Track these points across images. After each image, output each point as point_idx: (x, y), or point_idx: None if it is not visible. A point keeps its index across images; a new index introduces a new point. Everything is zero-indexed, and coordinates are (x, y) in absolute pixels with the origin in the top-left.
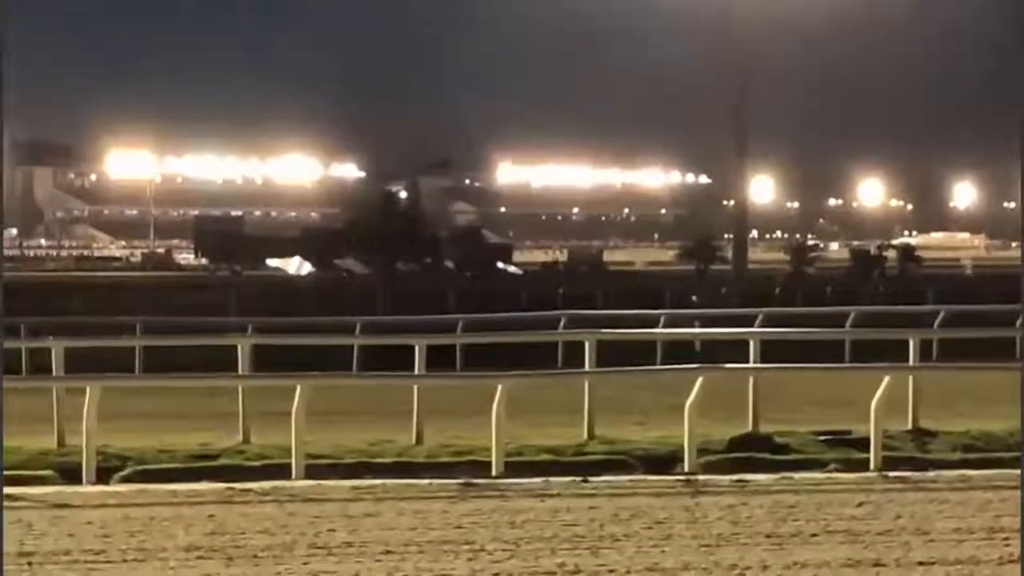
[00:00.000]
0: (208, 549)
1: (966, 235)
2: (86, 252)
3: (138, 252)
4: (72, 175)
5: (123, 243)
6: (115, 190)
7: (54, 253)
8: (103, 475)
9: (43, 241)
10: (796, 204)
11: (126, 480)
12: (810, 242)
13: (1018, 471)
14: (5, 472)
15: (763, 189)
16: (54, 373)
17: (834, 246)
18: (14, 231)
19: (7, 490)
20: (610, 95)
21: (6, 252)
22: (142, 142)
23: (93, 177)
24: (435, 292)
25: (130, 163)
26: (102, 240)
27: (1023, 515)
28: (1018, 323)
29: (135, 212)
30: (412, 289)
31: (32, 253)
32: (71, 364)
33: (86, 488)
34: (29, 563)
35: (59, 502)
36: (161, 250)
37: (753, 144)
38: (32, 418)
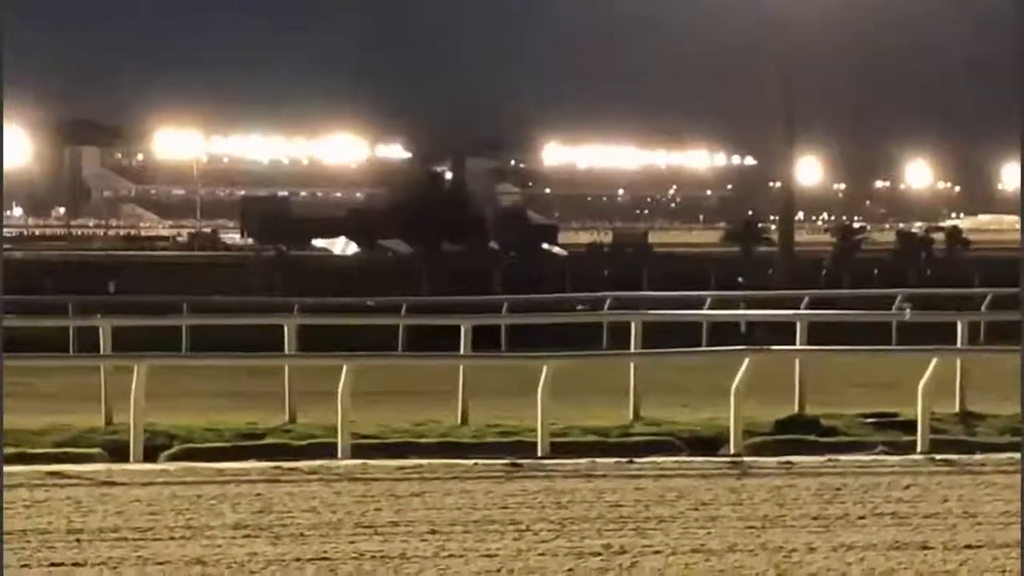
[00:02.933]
0: (255, 527)
1: (1014, 218)
2: (133, 231)
3: (185, 232)
4: (120, 155)
5: (170, 223)
6: (162, 170)
7: (101, 232)
8: (150, 453)
9: (90, 220)
10: (843, 186)
11: (173, 458)
12: (856, 224)
13: None
14: (55, 449)
15: (810, 171)
16: (102, 351)
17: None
18: (62, 210)
19: (58, 467)
20: (657, 76)
21: (54, 231)
22: (189, 122)
23: (140, 157)
24: (480, 273)
25: (177, 143)
26: (149, 219)
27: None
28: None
29: (182, 192)
30: (457, 270)
31: (80, 232)
32: (119, 343)
33: (134, 466)
34: (78, 540)
35: (107, 479)
36: (207, 230)
37: (800, 125)
38: (80, 396)
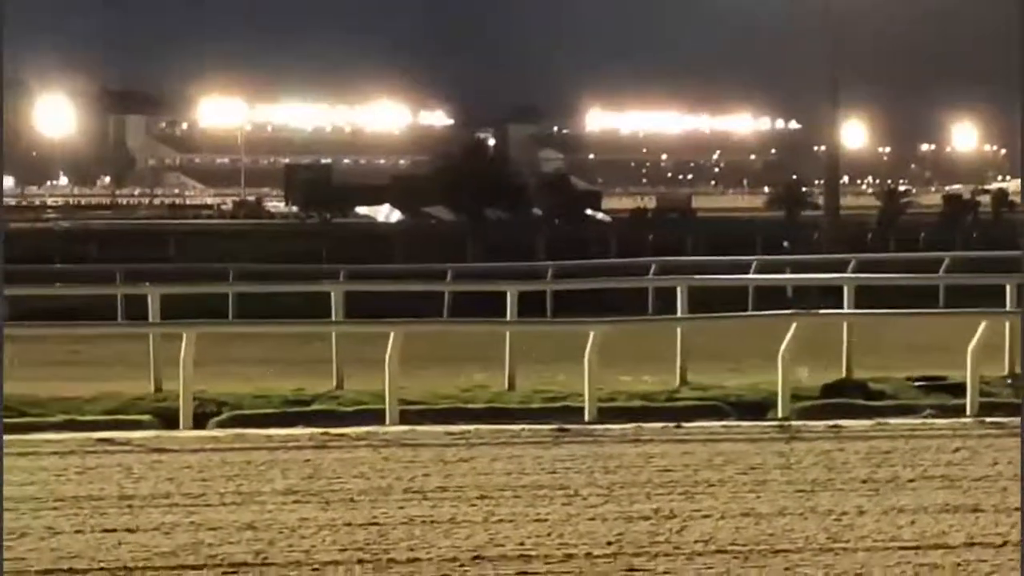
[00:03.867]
0: (305, 493)
1: None
2: (178, 200)
3: (229, 200)
4: (164, 124)
5: (214, 191)
6: (206, 138)
7: (147, 201)
8: (200, 420)
9: (136, 189)
10: (888, 149)
11: (222, 425)
12: (902, 188)
13: None
14: (105, 417)
15: (854, 134)
16: (150, 319)
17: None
18: (107, 179)
19: (108, 434)
20: (699, 40)
21: (100, 200)
22: (233, 91)
23: (185, 126)
24: (523, 239)
25: (221, 111)
26: (194, 188)
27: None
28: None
29: (226, 160)
30: (500, 236)
31: (125, 201)
32: (166, 310)
33: (184, 433)
34: (130, 506)
35: (157, 447)
36: (252, 198)
37: (844, 89)
38: (129, 363)
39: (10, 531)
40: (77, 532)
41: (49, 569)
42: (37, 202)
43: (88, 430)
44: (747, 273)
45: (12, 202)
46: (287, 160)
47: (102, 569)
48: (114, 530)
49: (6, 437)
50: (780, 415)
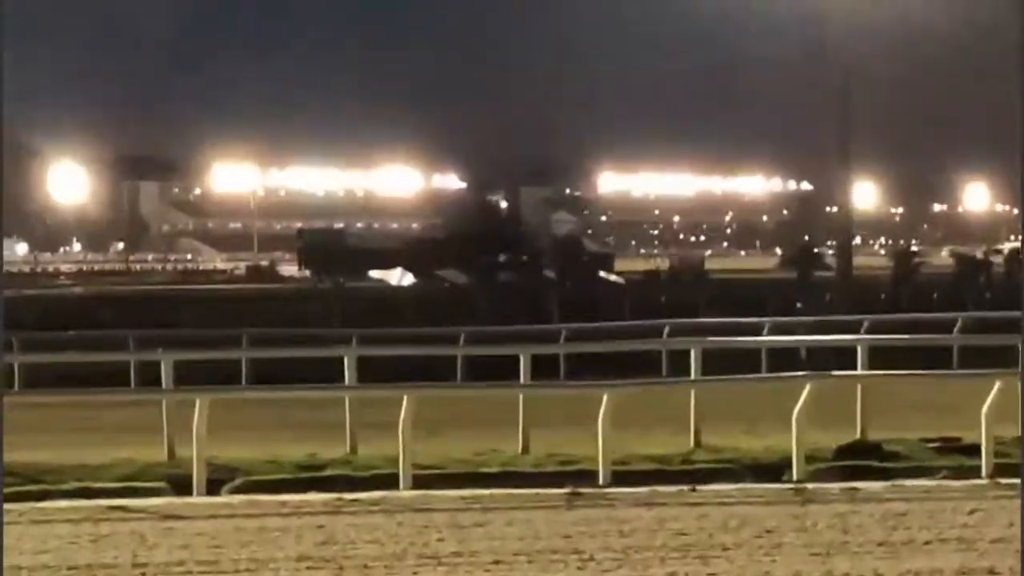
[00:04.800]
0: (318, 559)
1: None
2: (191, 265)
3: (242, 264)
4: (177, 189)
5: (227, 255)
6: (219, 204)
7: (160, 267)
8: (213, 486)
9: (149, 255)
10: (900, 210)
11: (236, 491)
12: (914, 248)
13: None
14: (118, 484)
15: (867, 195)
16: (163, 386)
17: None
18: (120, 245)
19: (121, 501)
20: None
21: (113, 266)
22: (245, 156)
23: (198, 191)
24: (537, 302)
25: (234, 177)
26: (207, 253)
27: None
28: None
29: (239, 225)
30: (513, 299)
31: (139, 266)
32: (180, 376)
33: (197, 499)
34: (143, 574)
35: (171, 513)
36: (265, 262)
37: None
38: (142, 429)
39: None
40: None
41: None
42: (51, 268)
43: (101, 497)
44: (760, 335)
45: (26, 268)
46: (300, 224)
47: None
48: None
49: (19, 505)
50: (795, 477)
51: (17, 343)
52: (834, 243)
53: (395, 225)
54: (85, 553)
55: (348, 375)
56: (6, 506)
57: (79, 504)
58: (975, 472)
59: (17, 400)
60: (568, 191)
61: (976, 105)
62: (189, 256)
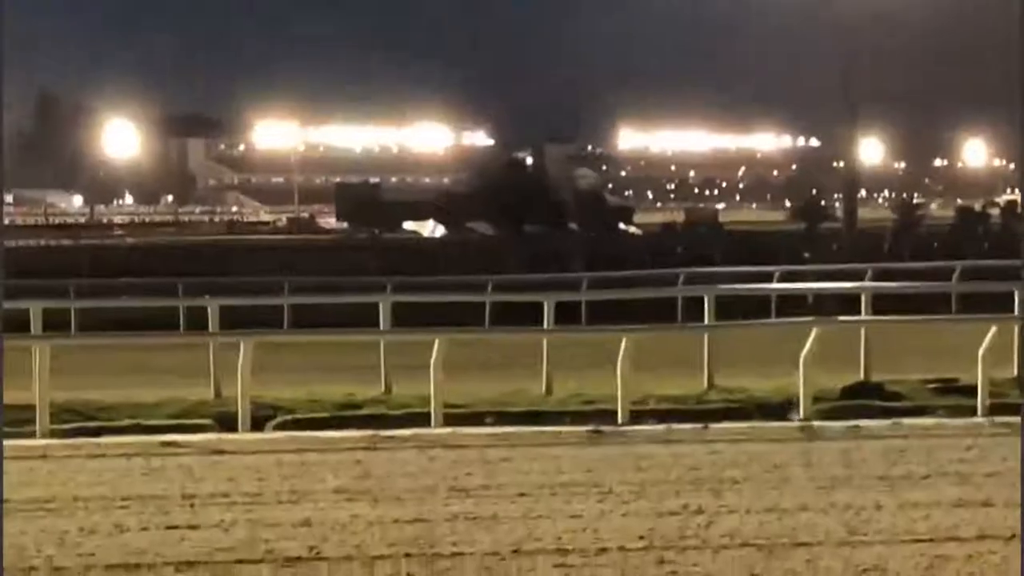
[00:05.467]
0: (355, 491)
1: None
2: (236, 217)
3: (284, 217)
4: (222, 146)
5: (270, 208)
6: (262, 159)
7: (207, 219)
8: (257, 424)
9: (196, 208)
10: (903, 165)
11: (278, 428)
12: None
13: None
14: (169, 421)
15: (872, 151)
16: (210, 329)
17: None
18: (170, 198)
19: (171, 437)
20: (725, 63)
21: (163, 218)
22: (287, 114)
23: (242, 147)
24: (560, 252)
25: (276, 134)
26: (251, 206)
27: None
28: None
29: (281, 179)
30: (538, 250)
31: (187, 219)
32: (225, 321)
33: (242, 435)
34: (192, 504)
35: (217, 448)
36: (305, 215)
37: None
38: (190, 371)
39: (79, 528)
40: (143, 529)
41: (116, 564)
42: (104, 220)
43: (153, 433)
44: (770, 282)
45: (81, 220)
46: (338, 179)
47: (166, 564)
48: (177, 527)
49: (76, 440)
50: (802, 416)
51: (73, 290)
52: (840, 196)
53: (427, 180)
54: (137, 485)
55: (383, 320)
56: (66, 441)
57: (132, 440)
58: (971, 411)
59: (74, 343)
60: (590, 148)
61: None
62: (234, 209)
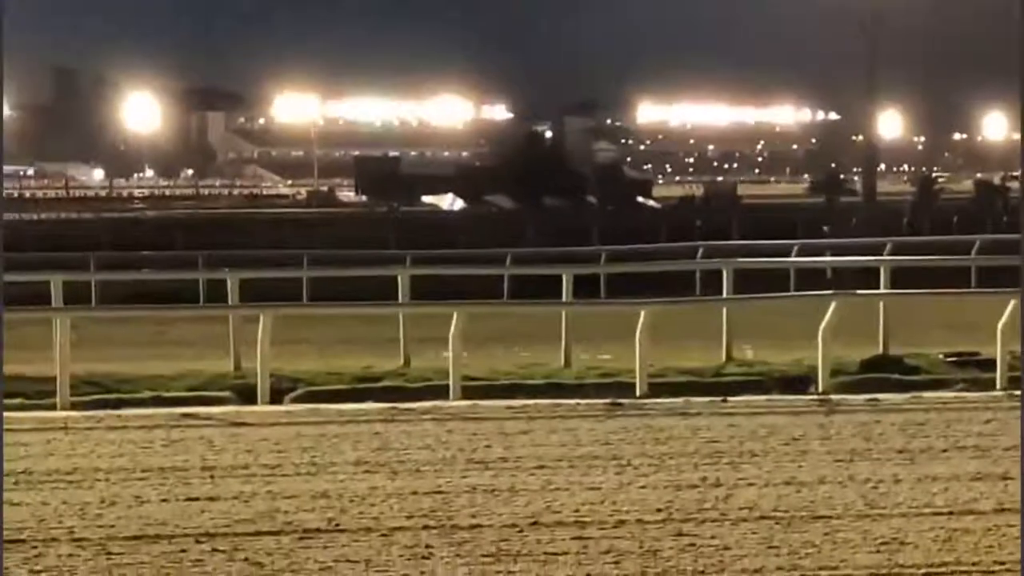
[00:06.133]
0: (374, 463)
1: None
2: (256, 190)
3: (303, 190)
4: (242, 119)
5: (289, 182)
6: (282, 132)
7: (227, 192)
8: (276, 396)
9: (216, 181)
10: (922, 138)
11: (297, 400)
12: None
13: None
14: (188, 393)
15: (891, 124)
16: (230, 302)
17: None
18: (190, 172)
19: (191, 409)
20: (744, 36)
21: (183, 191)
22: (306, 87)
23: (261, 121)
24: (579, 225)
25: (295, 107)
26: (270, 179)
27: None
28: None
29: (300, 153)
30: (557, 223)
31: (207, 192)
32: (245, 294)
33: (261, 408)
34: (211, 476)
35: (237, 420)
36: (324, 188)
37: (881, 82)
38: (210, 344)
39: (100, 500)
40: (163, 501)
41: (137, 535)
42: (125, 193)
43: (173, 405)
44: (789, 256)
45: (102, 193)
46: (357, 152)
47: (186, 535)
48: (197, 499)
49: (97, 412)
50: (820, 389)
51: (94, 262)
52: (859, 170)
53: (446, 153)
54: (158, 457)
55: (402, 293)
56: (87, 413)
57: (152, 411)
58: (990, 384)
59: (95, 315)
60: (609, 121)
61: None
62: (254, 182)
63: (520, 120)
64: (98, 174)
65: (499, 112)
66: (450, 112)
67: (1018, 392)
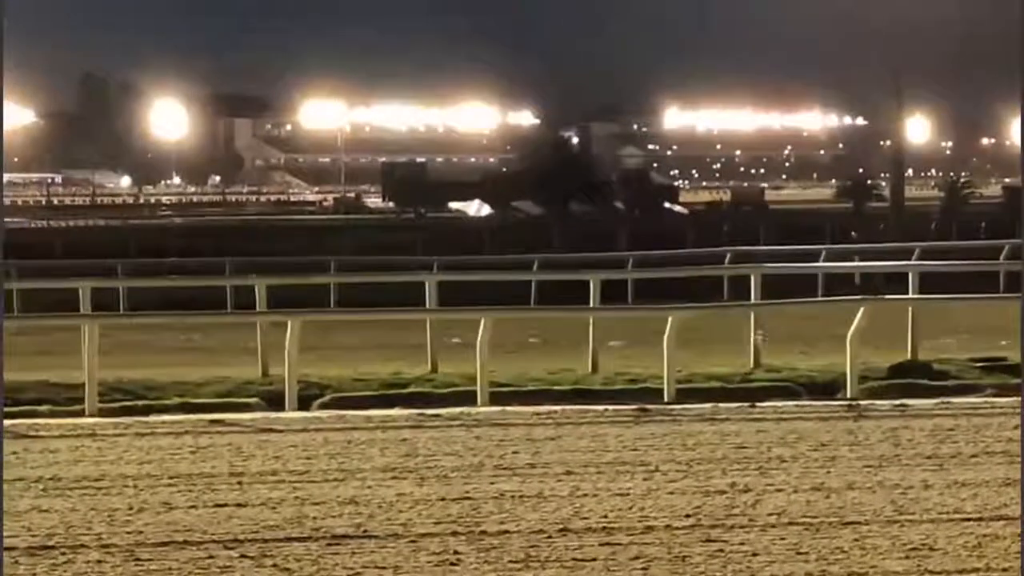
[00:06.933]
0: (402, 469)
1: None
2: (283, 197)
3: (330, 196)
4: (269, 126)
5: (316, 188)
6: (308, 139)
7: (254, 199)
8: (304, 402)
9: (243, 187)
10: (950, 143)
11: (325, 407)
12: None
13: None
14: (216, 399)
15: (918, 129)
16: (257, 309)
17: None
18: (217, 178)
19: (219, 416)
20: (770, 41)
21: (210, 198)
22: (333, 94)
23: (288, 127)
24: (606, 231)
25: (322, 114)
26: (297, 186)
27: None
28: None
29: (327, 159)
30: (584, 228)
31: (234, 199)
32: (272, 300)
33: (289, 414)
34: (239, 482)
35: (265, 427)
36: (352, 194)
37: (908, 86)
38: (238, 350)
39: (128, 506)
40: (191, 507)
41: (165, 541)
42: (152, 200)
43: (201, 412)
44: (817, 261)
45: (130, 200)
46: (384, 159)
47: (214, 541)
48: (225, 505)
49: (125, 419)
50: (849, 395)
51: (121, 269)
52: (887, 175)
53: (473, 159)
54: (186, 463)
55: (429, 299)
56: (115, 419)
57: (180, 418)
58: (1019, 390)
59: (122, 322)
60: (635, 127)
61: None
62: (281, 188)
63: (546, 126)
64: (125, 181)
65: (525, 118)
66: (476, 118)
67: None
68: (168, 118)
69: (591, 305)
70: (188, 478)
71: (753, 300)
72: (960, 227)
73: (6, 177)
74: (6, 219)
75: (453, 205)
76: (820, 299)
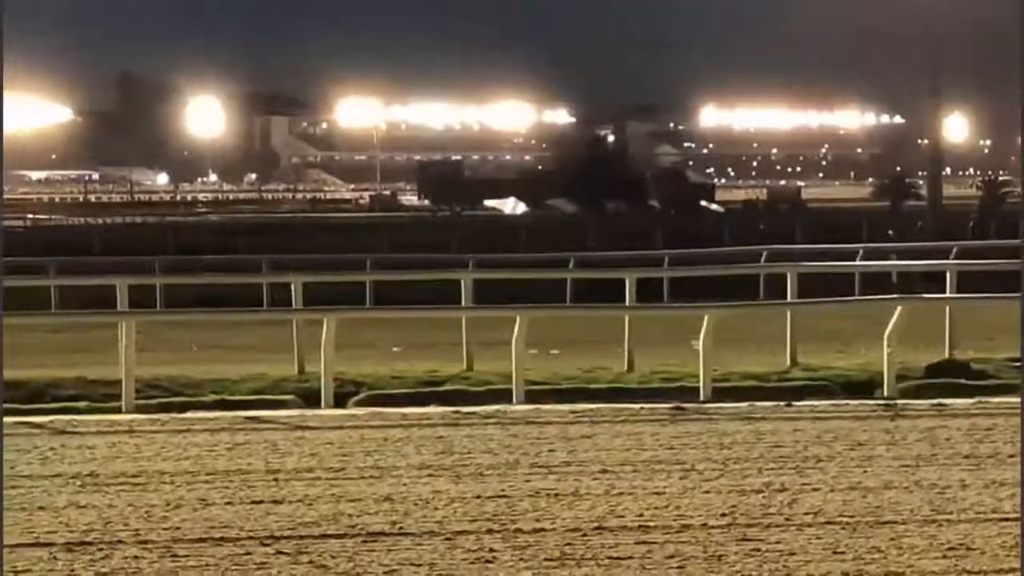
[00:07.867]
0: (438, 467)
1: None
2: (319, 195)
3: (366, 194)
4: (305, 123)
5: (352, 186)
6: (344, 137)
7: (290, 196)
8: (340, 400)
9: (279, 185)
10: (988, 142)
11: (361, 404)
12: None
13: None
14: (253, 396)
15: (957, 128)
16: (294, 306)
17: None
18: (253, 176)
19: (255, 413)
20: (807, 40)
21: (247, 195)
22: (369, 92)
23: (324, 125)
24: (641, 229)
25: (358, 112)
26: (333, 184)
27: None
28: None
29: (363, 157)
30: (620, 227)
31: (270, 196)
32: (308, 298)
33: (325, 411)
34: (276, 479)
35: (301, 424)
36: (387, 192)
37: (946, 85)
38: (274, 347)
39: (165, 503)
40: (227, 503)
41: (202, 538)
42: (189, 198)
43: (237, 409)
44: (854, 260)
45: (167, 197)
46: (420, 157)
47: (250, 538)
48: (261, 501)
49: (162, 416)
50: (886, 394)
51: (158, 266)
52: (925, 174)
53: (508, 157)
54: (222, 460)
55: (465, 297)
56: (152, 416)
57: (217, 415)
58: None
59: (160, 319)
60: (671, 125)
61: None
62: (316, 186)
63: (582, 124)
64: (162, 179)
65: (561, 116)
66: (512, 116)
67: None
68: (205, 116)
69: (627, 303)
70: (225, 475)
71: (790, 299)
72: (998, 226)
73: (43, 174)
74: (43, 215)
75: (488, 203)
76: (856, 298)
